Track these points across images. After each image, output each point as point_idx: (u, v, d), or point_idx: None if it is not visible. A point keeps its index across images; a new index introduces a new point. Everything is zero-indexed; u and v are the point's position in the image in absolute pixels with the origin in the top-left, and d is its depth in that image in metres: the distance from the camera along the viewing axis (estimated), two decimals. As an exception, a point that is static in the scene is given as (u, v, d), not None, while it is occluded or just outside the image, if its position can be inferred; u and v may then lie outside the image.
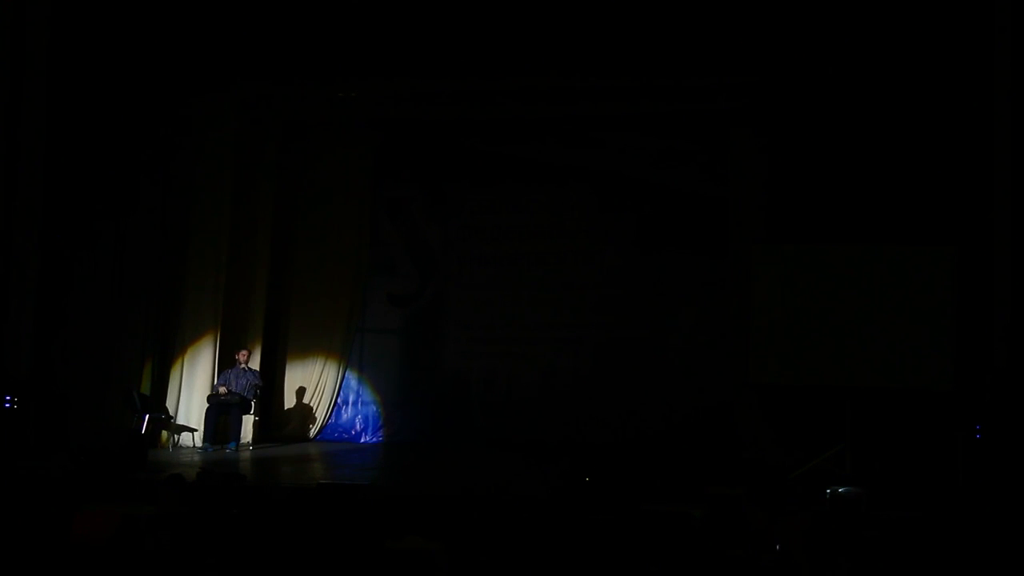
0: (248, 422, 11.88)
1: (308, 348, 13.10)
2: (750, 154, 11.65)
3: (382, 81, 11.48)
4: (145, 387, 11.36)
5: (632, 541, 5.67)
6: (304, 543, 5.55)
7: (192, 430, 11.61)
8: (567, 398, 12.76)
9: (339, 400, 13.23)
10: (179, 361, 11.70)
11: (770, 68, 10.64)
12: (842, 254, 10.13)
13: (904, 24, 10.04)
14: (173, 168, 11.70)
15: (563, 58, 10.72)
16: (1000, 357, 9.26)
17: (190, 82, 11.37)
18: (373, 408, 13.32)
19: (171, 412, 11.54)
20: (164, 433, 11.52)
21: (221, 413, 11.55)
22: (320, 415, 13.05)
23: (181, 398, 11.65)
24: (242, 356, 11.84)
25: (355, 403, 13.35)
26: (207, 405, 11.54)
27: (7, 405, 9.80)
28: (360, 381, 13.39)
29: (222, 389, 11.55)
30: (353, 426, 13.29)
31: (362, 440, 13.17)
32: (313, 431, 13.02)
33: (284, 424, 12.98)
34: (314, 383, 13.05)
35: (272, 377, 12.80)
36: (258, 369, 12.13)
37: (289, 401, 13.07)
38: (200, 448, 11.39)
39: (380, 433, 13.22)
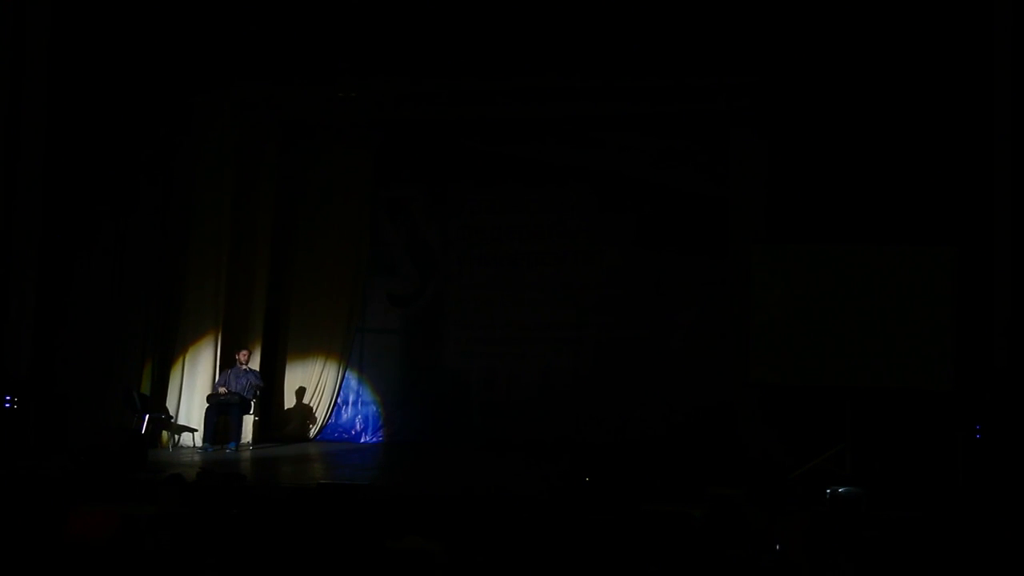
0: (248, 422, 11.89)
1: (308, 348, 13.11)
2: (750, 154, 11.64)
3: (382, 81, 11.48)
4: (145, 387, 11.37)
5: (632, 541, 5.66)
6: (304, 543, 5.55)
7: (192, 430, 11.61)
8: (567, 398, 12.76)
9: (339, 400, 13.23)
10: (179, 361, 11.70)
11: (770, 68, 10.65)
12: (842, 254, 10.12)
13: (904, 24, 10.04)
14: (173, 168, 11.71)
15: (563, 58, 10.72)
16: (1000, 357, 9.26)
17: (190, 82, 11.38)
18: (373, 408, 13.32)
19: (172, 412, 11.55)
20: (164, 433, 11.52)
21: (221, 413, 11.55)
22: (320, 415, 13.05)
23: (182, 398, 11.64)
24: (242, 356, 11.84)
25: (355, 403, 13.36)
26: (207, 405, 11.54)
27: (7, 405, 9.81)
28: (360, 381, 13.40)
29: (222, 389, 11.55)
30: (353, 426, 13.29)
31: (362, 440, 13.17)
32: (313, 431, 13.02)
33: (284, 424, 12.98)
34: (314, 383, 13.06)
35: (272, 377, 12.80)
36: (258, 369, 12.13)
37: (289, 401, 13.07)
38: (200, 448, 11.39)
39: (380, 433, 13.22)
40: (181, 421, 11.62)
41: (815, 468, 9.62)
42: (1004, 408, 9.05)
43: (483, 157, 13.16)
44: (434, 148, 13.29)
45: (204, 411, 11.54)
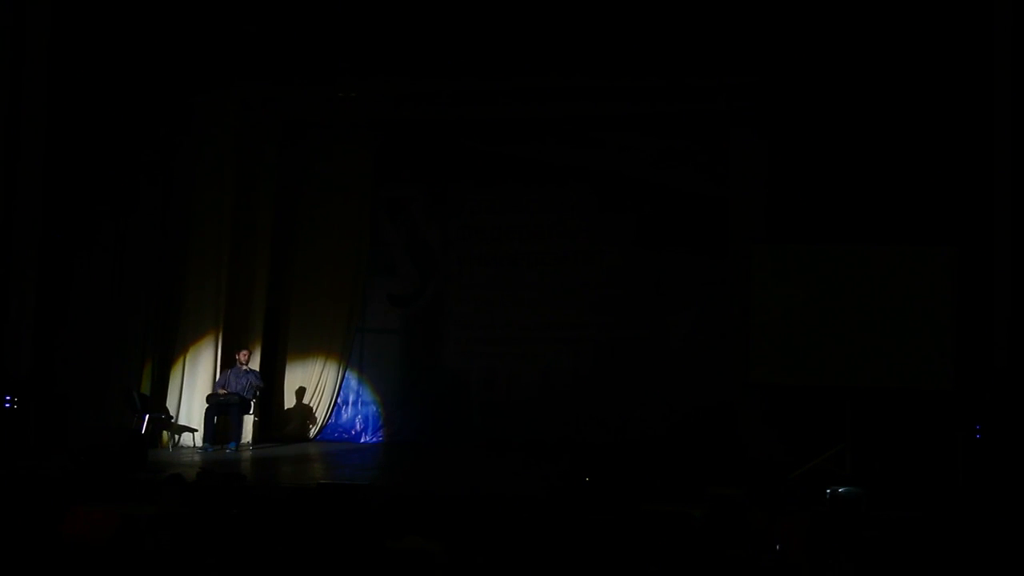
0: (248, 422, 11.89)
1: (308, 348, 13.10)
2: (750, 154, 11.65)
3: (382, 81, 11.48)
4: (145, 387, 11.37)
5: (632, 541, 5.66)
6: (304, 543, 5.55)
7: (192, 430, 11.61)
8: (567, 398, 12.76)
9: (339, 400, 13.23)
10: (180, 361, 11.70)
11: (770, 68, 10.64)
12: (842, 254, 10.12)
13: (904, 24, 10.04)
14: (173, 168, 11.71)
15: (563, 58, 10.72)
16: (1000, 357, 9.26)
17: (190, 82, 11.38)
18: (373, 408, 13.32)
19: (173, 412, 11.55)
20: (165, 433, 11.52)
21: (221, 413, 11.55)
22: (320, 415, 13.05)
23: (183, 398, 11.65)
24: (242, 356, 11.84)
25: (355, 403, 13.35)
26: (207, 405, 11.54)
27: (7, 405, 9.81)
28: (360, 381, 13.39)
29: (221, 390, 11.55)
30: (353, 426, 13.29)
31: (362, 440, 13.17)
32: (313, 431, 13.02)
33: (284, 424, 12.98)
34: (314, 383, 13.05)
35: (272, 377, 12.80)
36: (258, 369, 12.13)
37: (289, 401, 13.07)
38: (200, 448, 11.39)
39: (380, 433, 13.22)
40: (182, 421, 11.62)
41: (815, 468, 9.62)
42: (1004, 408, 9.05)
43: (483, 157, 13.15)
44: (434, 148, 13.28)
45: (204, 411, 11.54)
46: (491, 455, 11.80)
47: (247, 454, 11.45)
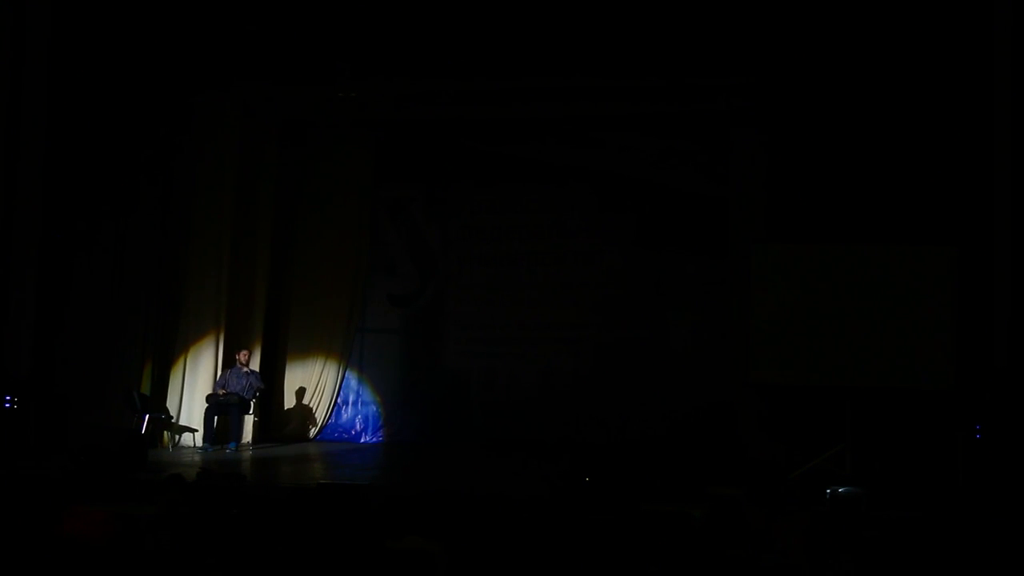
0: (248, 422, 11.89)
1: (308, 348, 13.10)
2: (750, 154, 11.66)
3: (382, 81, 11.49)
4: (145, 387, 11.36)
5: (632, 541, 5.66)
6: (304, 543, 5.55)
7: (193, 430, 11.61)
8: (567, 398, 12.76)
9: (339, 400, 13.23)
10: (181, 361, 11.69)
11: (770, 68, 10.64)
12: (842, 254, 10.13)
13: (904, 24, 10.03)
14: (173, 168, 11.71)
15: (563, 58, 10.72)
16: (1000, 357, 9.26)
17: (191, 82, 11.38)
18: (373, 408, 13.33)
19: (174, 412, 11.54)
20: (165, 433, 11.52)
21: (221, 413, 11.55)
22: (320, 415, 13.05)
23: (184, 398, 11.64)
24: (242, 356, 11.84)
25: (355, 403, 13.36)
26: (207, 405, 11.54)
27: (7, 405, 9.80)
28: (360, 381, 13.40)
29: (221, 391, 11.55)
30: (353, 426, 13.29)
31: (362, 440, 13.17)
32: (313, 431, 13.02)
33: (284, 424, 12.98)
34: (314, 383, 13.05)
35: (272, 377, 12.80)
36: (258, 370, 12.12)
37: (289, 401, 13.07)
38: (200, 448, 11.39)
39: (380, 433, 13.23)
40: (183, 421, 11.62)
41: (815, 468, 9.62)
42: (1004, 408, 9.05)
43: (483, 157, 13.16)
44: (434, 148, 13.29)
45: (204, 411, 11.54)
46: (491, 455, 11.80)
47: (247, 454, 11.45)
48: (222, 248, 11.84)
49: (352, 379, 13.35)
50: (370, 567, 5.24)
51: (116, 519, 5.72)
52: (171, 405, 11.56)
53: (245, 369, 11.77)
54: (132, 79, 11.07)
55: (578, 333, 12.95)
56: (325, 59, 11.06)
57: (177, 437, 11.59)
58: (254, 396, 11.78)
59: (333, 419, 13.20)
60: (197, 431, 11.58)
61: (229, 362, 11.84)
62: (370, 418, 13.31)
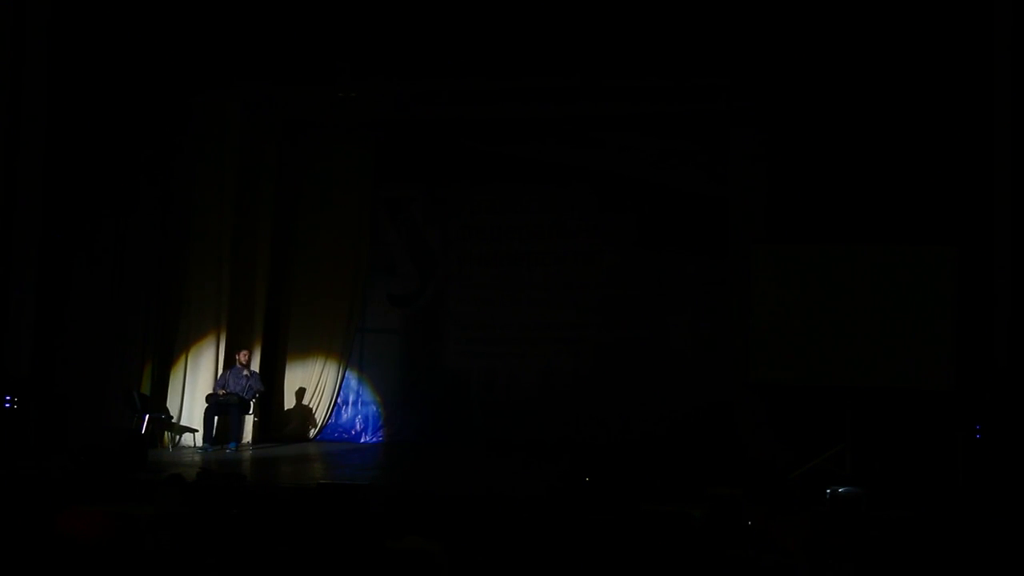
0: (248, 422, 11.89)
1: (308, 348, 13.10)
2: (750, 154, 11.64)
3: (382, 81, 11.48)
4: (145, 387, 11.36)
5: (632, 541, 5.66)
6: (304, 543, 5.55)
7: (193, 430, 11.61)
8: (567, 398, 12.76)
9: (339, 400, 13.23)
10: (182, 361, 11.70)
11: (770, 68, 10.64)
12: (842, 254, 10.12)
13: (904, 24, 10.04)
14: (173, 168, 11.71)
15: (564, 58, 10.72)
16: (1000, 357, 9.26)
17: (191, 81, 11.38)
18: (373, 408, 13.32)
19: (175, 412, 11.55)
20: (166, 434, 11.52)
21: (221, 413, 11.56)
22: (320, 415, 13.05)
23: (185, 398, 11.65)
24: (242, 356, 11.84)
25: (355, 403, 13.36)
26: (206, 405, 11.54)
27: (7, 405, 9.80)
28: (360, 381, 13.40)
29: (220, 391, 11.56)
30: (353, 426, 13.29)
31: (362, 440, 13.17)
32: (313, 431, 13.02)
33: (284, 424, 12.98)
34: (314, 383, 13.05)
35: (272, 377, 12.80)
36: (258, 370, 12.12)
37: (289, 401, 13.07)
38: (200, 448, 11.39)
39: (380, 433, 13.23)
40: (184, 421, 11.62)
41: (815, 468, 9.62)
42: (1004, 408, 9.05)
43: (483, 157, 13.15)
44: (434, 148, 13.28)
45: (203, 411, 11.54)
46: (491, 455, 11.80)
47: (247, 454, 11.46)
48: (222, 248, 11.85)
49: (352, 379, 13.34)
50: (370, 567, 5.24)
51: (115, 519, 5.72)
52: (172, 405, 11.57)
53: (245, 372, 11.76)
54: (132, 79, 11.06)
55: (578, 333, 12.95)
56: (325, 59, 11.06)
57: (177, 437, 11.59)
58: (253, 397, 11.78)
59: (333, 419, 13.20)
60: (197, 431, 11.58)
61: (230, 362, 11.85)
62: (370, 418, 13.30)
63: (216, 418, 11.54)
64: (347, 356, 13.19)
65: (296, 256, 13.26)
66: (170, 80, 11.29)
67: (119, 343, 11.18)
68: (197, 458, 10.74)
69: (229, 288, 11.95)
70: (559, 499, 8.06)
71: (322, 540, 5.58)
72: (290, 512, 6.71)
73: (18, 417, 9.90)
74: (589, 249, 13.00)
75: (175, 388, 11.66)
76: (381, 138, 13.26)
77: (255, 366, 12.13)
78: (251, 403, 11.78)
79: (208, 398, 11.57)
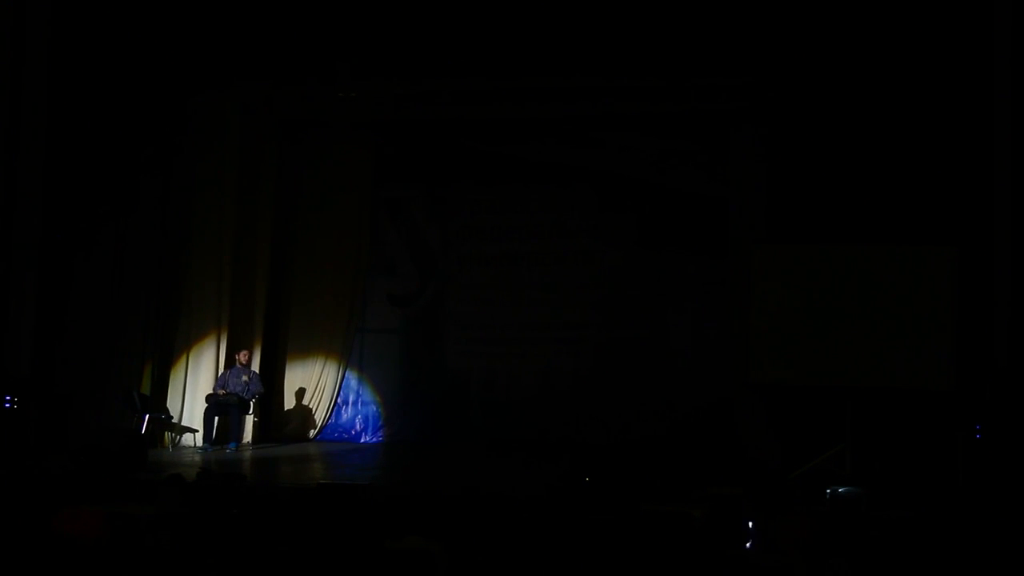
0: (248, 422, 11.90)
1: (308, 348, 13.09)
2: (750, 154, 11.63)
3: (382, 81, 11.49)
4: (145, 387, 11.36)
5: (632, 541, 5.66)
6: (304, 543, 5.55)
7: (193, 430, 11.61)
8: (567, 398, 12.76)
9: (339, 400, 13.23)
10: (182, 361, 11.70)
11: (770, 68, 10.64)
12: (842, 254, 10.12)
13: (904, 24, 10.04)
14: (174, 168, 11.71)
15: (563, 58, 10.73)
16: (1001, 357, 9.26)
17: (191, 82, 11.38)
18: (373, 408, 13.32)
19: (176, 412, 11.55)
20: (167, 434, 11.52)
21: (221, 413, 11.56)
22: (320, 415, 13.04)
23: (186, 398, 11.65)
24: (242, 356, 11.84)
25: (355, 403, 13.35)
26: (206, 405, 11.55)
27: (7, 405, 9.80)
28: (360, 381, 13.39)
29: (220, 391, 11.56)
30: (353, 426, 13.29)
31: (362, 440, 13.17)
32: (313, 431, 13.01)
33: (284, 424, 12.97)
34: (314, 383, 13.04)
35: (272, 377, 12.80)
36: (258, 370, 12.12)
37: (289, 401, 13.06)
38: (200, 448, 11.39)
39: (380, 433, 13.22)
40: (185, 421, 11.63)
41: (815, 468, 9.62)
42: (1004, 408, 9.05)
43: (483, 157, 13.15)
44: (434, 148, 13.28)
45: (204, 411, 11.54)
46: (491, 455, 11.80)
47: (247, 454, 11.46)
48: (222, 248, 11.85)
49: (352, 379, 13.34)
50: (370, 567, 5.24)
51: (113, 519, 5.72)
52: (172, 405, 11.57)
53: (245, 378, 11.75)
54: (132, 79, 11.06)
55: (578, 333, 12.95)
56: (325, 59, 11.06)
57: (177, 437, 11.59)
58: (253, 397, 11.79)
59: (333, 419, 13.19)
60: (197, 431, 11.58)
61: (230, 362, 11.86)
62: (370, 418, 13.30)
63: (216, 418, 11.55)
64: (347, 356, 13.19)
65: (296, 256, 13.24)
66: (170, 80, 11.29)
67: (119, 343, 11.19)
68: (197, 458, 10.74)
69: (229, 288, 11.95)
70: (559, 499, 8.06)
71: (322, 540, 5.58)
72: (290, 512, 6.72)
73: (18, 417, 9.90)
74: (589, 249, 13.00)
75: (175, 388, 11.66)
76: (381, 138, 13.25)
77: (255, 366, 12.13)
78: (251, 403, 11.78)
79: (208, 398, 11.57)
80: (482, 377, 13.13)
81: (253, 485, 8.83)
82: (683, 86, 11.17)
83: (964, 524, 7.29)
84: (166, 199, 11.65)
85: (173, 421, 11.54)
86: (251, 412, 11.87)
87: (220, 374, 11.74)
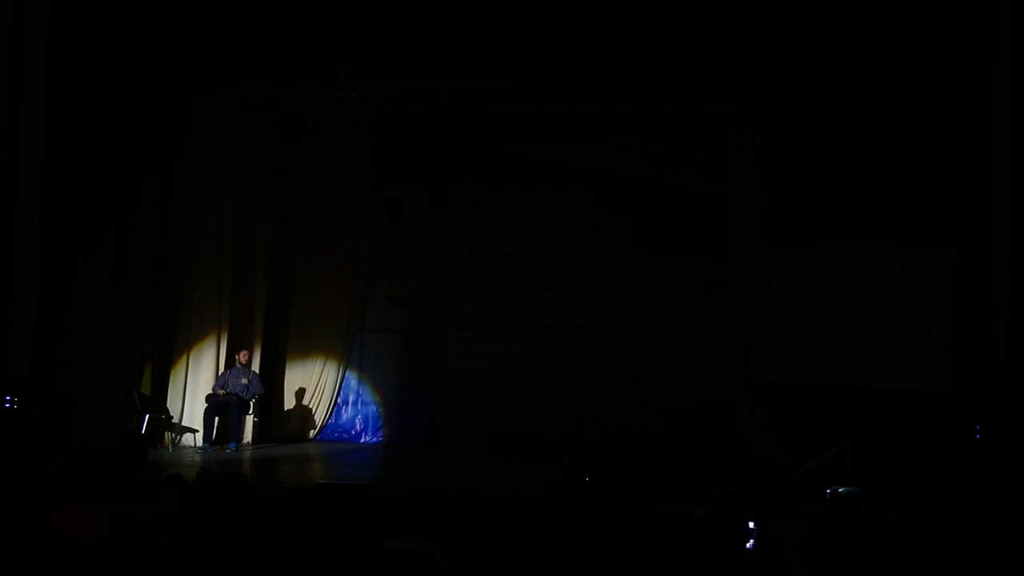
0: (248, 422, 11.90)
1: (308, 348, 13.09)
2: (750, 154, 11.63)
3: (382, 81, 11.49)
4: (146, 387, 11.36)
5: (632, 541, 5.67)
6: (304, 543, 5.55)
7: (193, 430, 11.61)
8: (567, 398, 12.76)
9: (339, 400, 13.22)
10: (182, 361, 11.70)
11: (770, 69, 10.64)
12: (842, 254, 10.12)
13: (904, 24, 10.04)
14: (174, 168, 11.71)
15: (563, 58, 10.72)
16: (1001, 357, 9.26)
17: (191, 81, 11.38)
18: (373, 408, 13.32)
19: (176, 412, 11.55)
20: (167, 434, 11.52)
21: (221, 413, 11.56)
22: (320, 415, 13.04)
23: (186, 398, 11.65)
24: (242, 356, 11.84)
25: (355, 403, 13.35)
26: (206, 405, 11.55)
27: (7, 405, 9.80)
28: (360, 381, 13.39)
29: (220, 391, 11.56)
30: (353, 426, 13.29)
31: (362, 440, 13.17)
32: (313, 431, 13.01)
33: (284, 424, 12.97)
34: (314, 383, 13.04)
35: (272, 377, 12.80)
36: (258, 371, 12.12)
37: (289, 401, 13.06)
38: (200, 448, 11.39)
39: (380, 433, 13.22)
40: (186, 421, 11.62)
41: (815, 468, 9.62)
42: (1004, 408, 9.05)
43: (483, 157, 13.15)
44: (434, 148, 13.28)
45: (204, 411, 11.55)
46: (491, 455, 11.80)
47: (247, 454, 11.46)
48: (222, 248, 11.85)
49: (352, 379, 13.34)
50: (370, 567, 5.24)
51: (113, 519, 5.73)
52: (172, 405, 11.56)
53: (244, 381, 11.75)
54: (132, 79, 11.06)
55: (578, 333, 12.94)
56: (325, 59, 11.06)
57: (177, 437, 11.59)
58: (253, 398, 11.79)
59: (333, 419, 13.19)
60: (197, 431, 11.58)
61: (230, 362, 11.86)
62: (370, 418, 13.30)
63: (216, 418, 11.55)
64: (347, 356, 13.18)
65: (296, 256, 13.25)
66: (170, 80, 11.29)
67: (119, 343, 11.18)
68: (197, 458, 10.74)
69: (229, 288, 11.95)
70: (559, 499, 8.07)
71: (322, 540, 5.59)
72: (290, 512, 6.72)
73: (18, 417, 9.90)
74: (589, 249, 13.00)
75: (175, 388, 11.66)
76: (381, 138, 13.25)
77: (255, 366, 12.13)
78: (251, 403, 11.78)
79: (208, 398, 11.57)
80: (482, 377, 13.12)
81: (253, 485, 8.83)
82: (683, 86, 11.17)
83: (964, 524, 7.29)
84: (166, 199, 11.65)
85: (173, 421, 11.54)
86: (251, 412, 11.87)
87: (220, 374, 11.74)
